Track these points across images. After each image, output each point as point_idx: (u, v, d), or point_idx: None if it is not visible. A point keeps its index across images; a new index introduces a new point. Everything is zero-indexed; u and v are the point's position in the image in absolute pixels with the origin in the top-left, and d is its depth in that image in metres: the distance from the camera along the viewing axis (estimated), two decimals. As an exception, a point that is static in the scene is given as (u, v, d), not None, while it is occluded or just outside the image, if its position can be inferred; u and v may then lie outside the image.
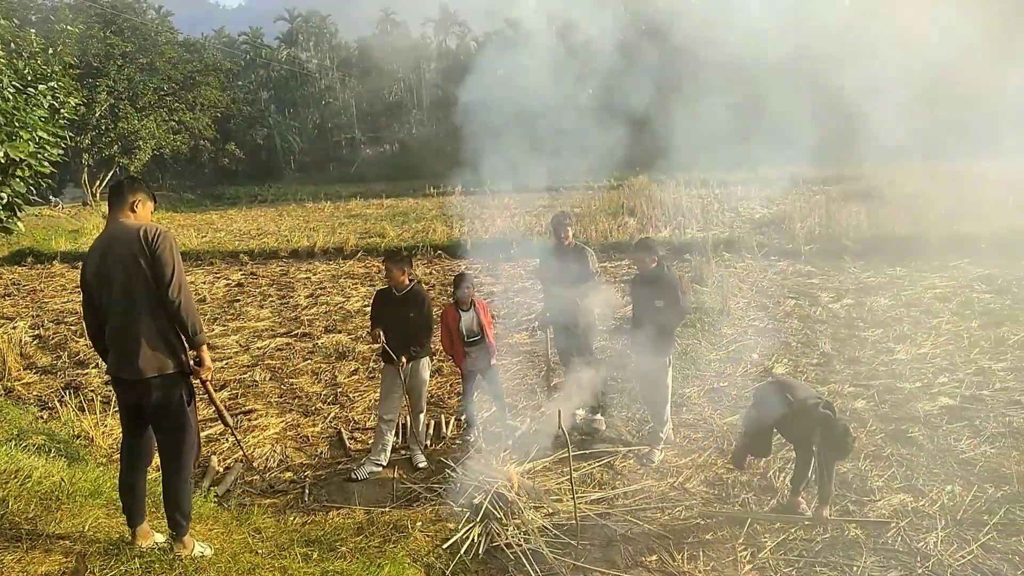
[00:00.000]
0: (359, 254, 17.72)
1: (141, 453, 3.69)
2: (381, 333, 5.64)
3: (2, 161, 6.30)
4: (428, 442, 6.36)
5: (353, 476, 5.76)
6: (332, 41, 70.21)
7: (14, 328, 11.50)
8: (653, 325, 5.67)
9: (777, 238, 15.41)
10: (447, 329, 6.24)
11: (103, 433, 6.70)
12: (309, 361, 9.15)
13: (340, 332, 10.50)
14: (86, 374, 8.97)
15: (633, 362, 6.03)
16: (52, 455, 5.09)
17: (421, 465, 5.87)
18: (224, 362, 9.24)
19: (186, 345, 3.58)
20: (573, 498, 4.57)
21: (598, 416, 6.40)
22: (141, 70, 33.39)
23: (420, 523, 4.84)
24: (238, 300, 13.40)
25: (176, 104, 36.21)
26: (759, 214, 20.66)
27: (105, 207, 20.44)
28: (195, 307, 3.53)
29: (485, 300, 6.96)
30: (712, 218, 20.12)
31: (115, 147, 31.68)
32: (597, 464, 5.76)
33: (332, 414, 7.29)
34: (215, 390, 3.98)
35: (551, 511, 4.99)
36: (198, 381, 3.69)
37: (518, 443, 6.13)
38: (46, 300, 14.35)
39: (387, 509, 5.21)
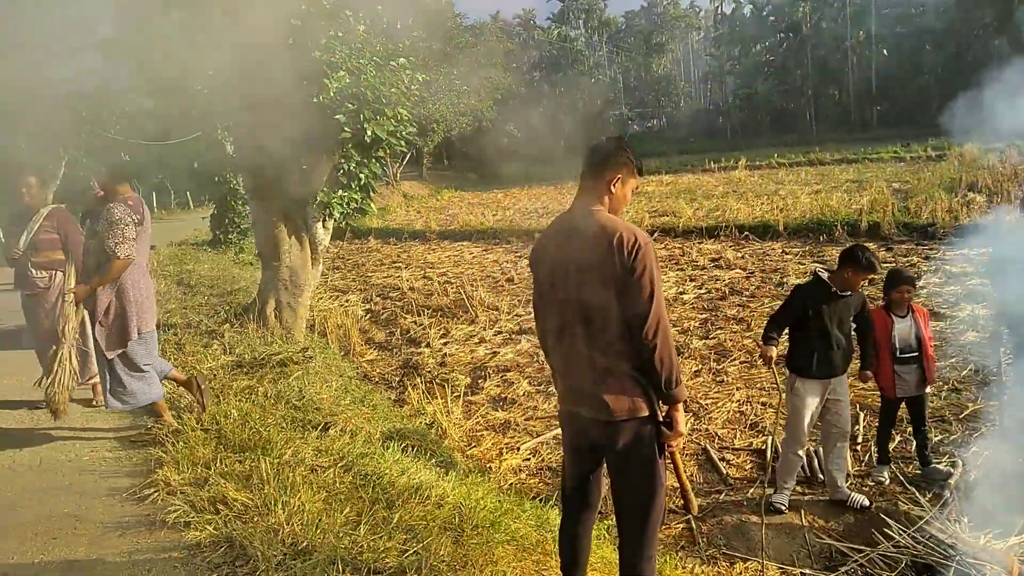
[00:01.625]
0: (655, 234, 16.67)
1: (590, 496, 2.90)
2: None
3: (367, 140, 6.11)
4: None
5: (777, 506, 4.74)
6: (601, 17, 69.97)
7: (348, 301, 12.22)
8: None
9: None
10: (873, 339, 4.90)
11: (453, 424, 6.42)
12: (643, 355, 8.30)
13: (665, 322, 9.53)
14: (420, 353, 8.98)
15: None
16: (429, 460, 4.68)
17: (865, 504, 4.66)
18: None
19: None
20: None
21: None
22: (431, 55, 35.43)
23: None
24: (545, 281, 13.07)
25: (463, 88, 38.04)
26: None
27: (405, 187, 21.51)
28: (674, 350, 2.60)
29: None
30: (1096, 194, 15.96)
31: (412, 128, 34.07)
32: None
33: (689, 424, 6.31)
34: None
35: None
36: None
37: (962, 497, 4.62)
38: (369, 274, 15.29)
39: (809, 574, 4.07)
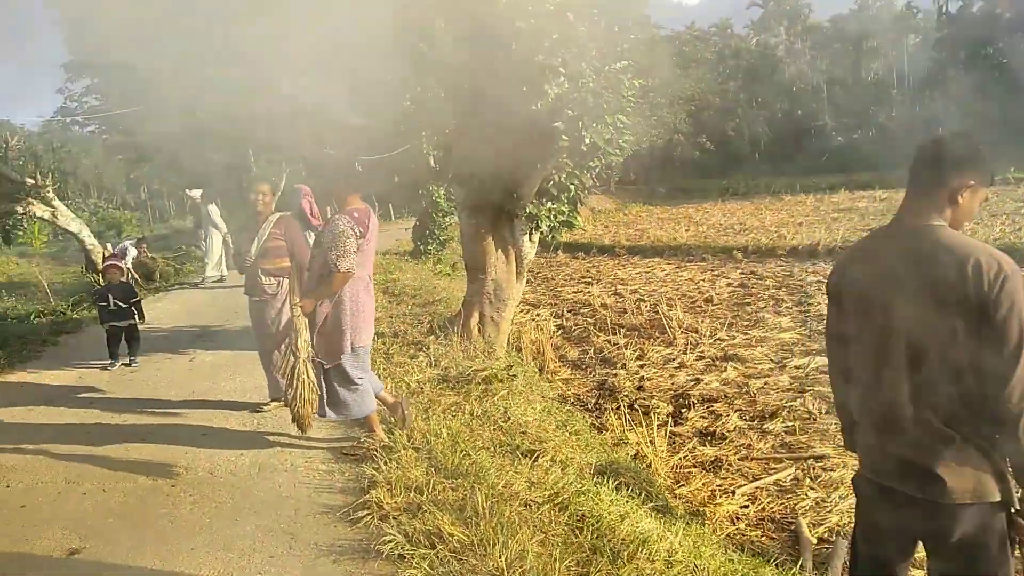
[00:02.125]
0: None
1: None
2: None
3: (584, 148, 5.76)
4: None
5: None
6: (805, 22, 65.77)
7: (539, 316, 12.03)
8: None
9: None
10: None
11: (659, 457, 5.88)
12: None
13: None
14: (615, 375, 8.51)
15: None
16: (642, 501, 4.20)
17: None
18: (762, 381, 7.90)
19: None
20: None
21: None
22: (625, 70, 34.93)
23: None
24: (747, 303, 12.10)
25: (657, 100, 37.21)
26: None
27: (591, 201, 20.95)
28: None
29: None
30: None
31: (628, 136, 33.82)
32: None
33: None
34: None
35: None
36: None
37: None
38: (559, 288, 15.09)
39: None
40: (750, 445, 6.28)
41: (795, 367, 8.32)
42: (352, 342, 4.16)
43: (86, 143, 51.42)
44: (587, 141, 5.55)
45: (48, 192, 12.16)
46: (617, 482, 4.33)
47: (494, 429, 4.69)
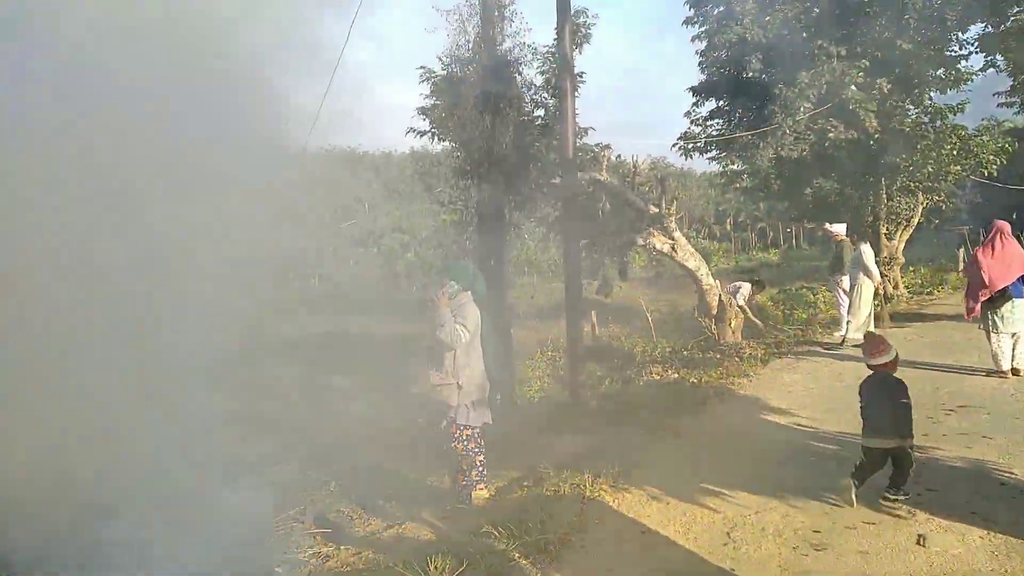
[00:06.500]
0: None
1: None
2: None
3: None
4: None
5: None
6: None
7: None
8: None
9: None
10: None
11: None
12: None
13: None
14: None
15: None
16: None
17: None
18: None
19: None
20: None
21: None
22: None
23: None
24: None
25: None
26: None
27: None
28: None
29: None
30: None
31: None
32: None
33: None
34: None
35: None
36: None
37: None
38: None
39: None
40: None
41: None
42: None
43: (683, 176, 54.50)
44: None
45: (671, 223, 10.84)
46: None
47: None
